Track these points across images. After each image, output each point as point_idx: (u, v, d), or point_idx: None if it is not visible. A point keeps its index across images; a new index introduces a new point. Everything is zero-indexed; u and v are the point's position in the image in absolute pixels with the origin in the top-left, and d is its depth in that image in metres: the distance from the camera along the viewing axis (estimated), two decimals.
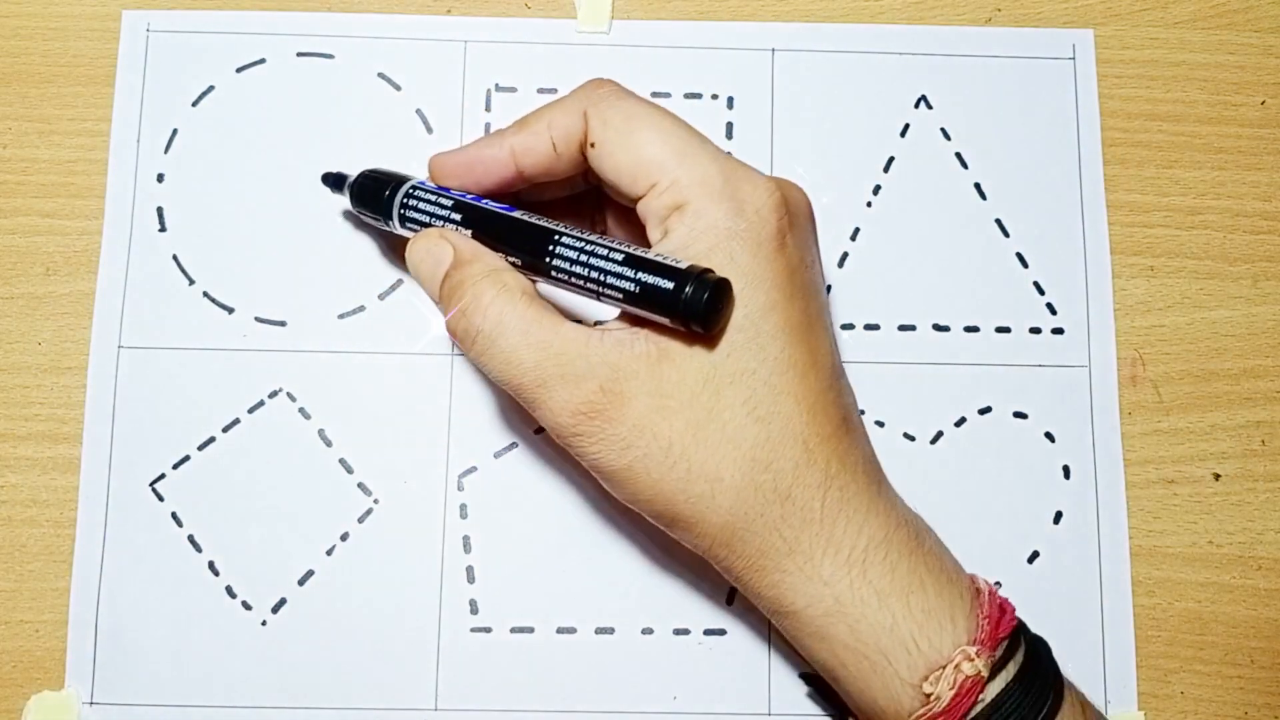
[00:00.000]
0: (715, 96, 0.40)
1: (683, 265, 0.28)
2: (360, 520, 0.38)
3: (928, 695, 0.28)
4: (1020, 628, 0.31)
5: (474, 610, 0.37)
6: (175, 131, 0.40)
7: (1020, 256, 0.40)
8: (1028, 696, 0.29)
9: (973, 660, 0.28)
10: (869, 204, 0.40)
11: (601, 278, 0.29)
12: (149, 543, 0.37)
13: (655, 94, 0.40)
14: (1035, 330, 0.39)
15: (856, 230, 0.40)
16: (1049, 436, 0.38)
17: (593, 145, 0.31)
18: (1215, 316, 0.39)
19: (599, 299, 0.30)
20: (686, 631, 0.37)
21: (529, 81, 0.40)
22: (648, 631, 0.37)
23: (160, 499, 0.37)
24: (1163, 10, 0.41)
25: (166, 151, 0.40)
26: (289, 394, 0.38)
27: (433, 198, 0.33)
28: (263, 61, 0.40)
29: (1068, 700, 0.30)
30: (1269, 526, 0.38)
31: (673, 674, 0.37)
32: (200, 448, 0.38)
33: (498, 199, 0.33)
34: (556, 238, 0.30)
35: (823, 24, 0.41)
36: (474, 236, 0.32)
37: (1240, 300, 0.39)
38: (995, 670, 0.29)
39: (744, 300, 0.29)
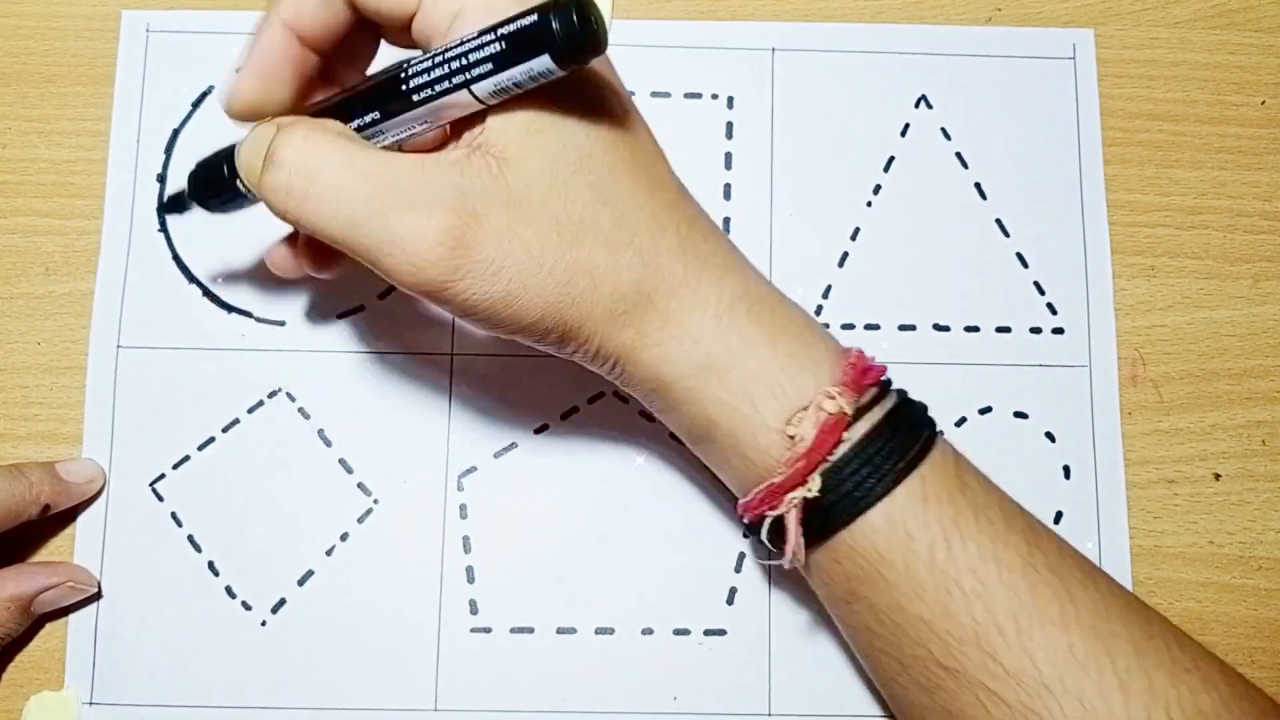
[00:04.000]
0: (715, 96, 0.40)
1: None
2: (360, 520, 0.38)
3: (791, 437, 0.29)
4: (889, 383, 0.31)
5: (474, 610, 0.37)
6: (175, 131, 0.40)
7: (1020, 256, 0.40)
8: (895, 439, 0.29)
9: (834, 399, 0.28)
10: (869, 204, 0.40)
11: (466, 63, 0.27)
12: (149, 543, 0.37)
13: (655, 94, 0.40)
14: (1035, 330, 0.39)
15: (856, 230, 0.40)
16: (1049, 436, 0.38)
17: None
18: (1215, 316, 0.39)
19: (471, 91, 0.27)
20: (686, 631, 0.37)
21: None
22: (648, 631, 0.37)
23: (160, 499, 0.37)
24: (1163, 10, 0.41)
25: (166, 151, 0.40)
26: (289, 394, 0.38)
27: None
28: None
29: (939, 449, 0.30)
30: (1269, 526, 0.38)
31: (673, 674, 0.37)
32: (200, 448, 0.38)
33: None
34: (404, 66, 0.28)
35: (823, 23, 0.41)
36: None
37: (1240, 300, 0.39)
38: (861, 414, 0.29)
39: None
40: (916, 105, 0.40)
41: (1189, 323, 0.39)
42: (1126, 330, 0.39)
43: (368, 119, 0.29)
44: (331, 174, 0.27)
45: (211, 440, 0.38)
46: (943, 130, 0.40)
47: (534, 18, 0.26)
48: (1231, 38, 0.41)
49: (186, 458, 0.38)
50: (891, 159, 0.40)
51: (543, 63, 0.26)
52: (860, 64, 0.41)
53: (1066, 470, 0.38)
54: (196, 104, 0.40)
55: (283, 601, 0.37)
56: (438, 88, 0.28)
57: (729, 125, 0.40)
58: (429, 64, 0.28)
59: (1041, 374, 0.39)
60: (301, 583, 0.37)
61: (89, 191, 0.39)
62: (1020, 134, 0.40)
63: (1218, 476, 0.38)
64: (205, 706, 0.36)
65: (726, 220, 0.40)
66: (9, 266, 0.39)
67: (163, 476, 0.38)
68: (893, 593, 0.29)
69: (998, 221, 0.40)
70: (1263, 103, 0.41)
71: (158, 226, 0.39)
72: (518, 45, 0.26)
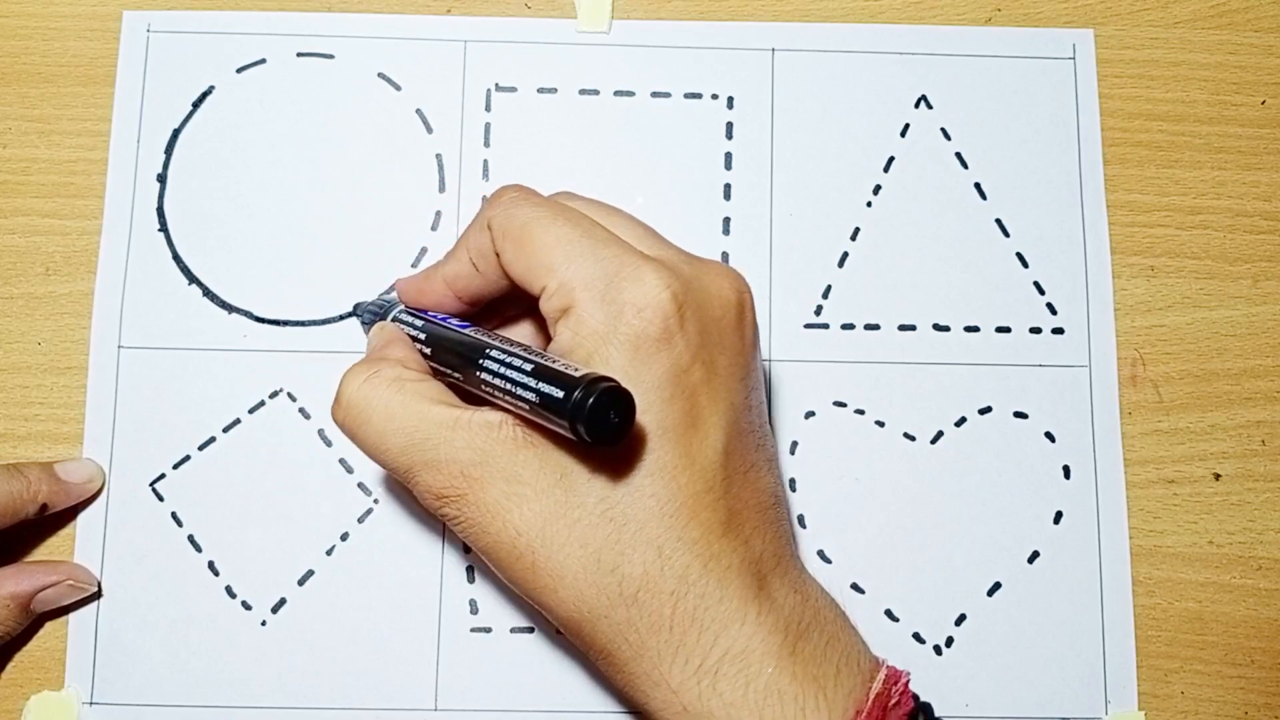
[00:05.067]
0: (715, 96, 0.40)
1: (578, 373, 0.27)
2: (360, 520, 0.38)
3: None
4: (918, 713, 0.29)
5: (474, 610, 0.37)
6: (175, 131, 0.40)
7: (1020, 256, 0.40)
8: None
9: None
10: (869, 204, 0.40)
11: (513, 389, 0.28)
12: (149, 542, 0.37)
13: (655, 94, 0.40)
14: (1035, 330, 0.39)
15: (856, 230, 0.40)
16: (1049, 436, 0.38)
17: (499, 256, 0.31)
18: (1215, 316, 0.39)
19: (514, 408, 0.29)
20: None
21: (529, 81, 0.40)
22: None
23: (160, 499, 0.37)
24: (1163, 10, 0.41)
25: (167, 151, 0.40)
26: (289, 394, 0.38)
27: (407, 319, 0.34)
28: (263, 62, 0.40)
29: None
30: (1269, 526, 0.38)
31: None
32: (200, 448, 0.38)
33: (471, 316, 0.34)
34: (486, 350, 0.30)
35: (823, 24, 0.41)
36: (431, 355, 0.32)
37: (1240, 300, 0.39)
38: None
39: None
40: (916, 105, 0.41)
41: (1189, 323, 0.39)
42: (1126, 330, 0.39)
43: (448, 371, 0.32)
44: (374, 424, 0.30)
45: (212, 440, 0.38)
46: (943, 130, 0.40)
47: (557, 393, 0.26)
48: (1231, 38, 0.41)
49: (187, 458, 0.38)
50: (891, 159, 0.40)
51: (566, 427, 0.27)
52: (860, 64, 0.41)
53: (1066, 470, 0.38)
54: (197, 104, 0.40)
55: (283, 601, 0.37)
56: (495, 388, 0.29)
57: (729, 125, 0.40)
58: (498, 366, 0.29)
59: (1041, 374, 0.39)
60: (301, 583, 0.37)
61: (89, 191, 0.39)
62: (1020, 134, 0.40)
63: (1218, 476, 0.38)
64: (205, 706, 0.36)
65: (727, 220, 0.40)
66: (9, 266, 0.39)
67: (163, 476, 0.38)
68: None
69: (998, 221, 0.40)
70: (1263, 103, 0.41)
71: (158, 226, 0.39)
72: (546, 404, 0.27)
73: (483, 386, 0.30)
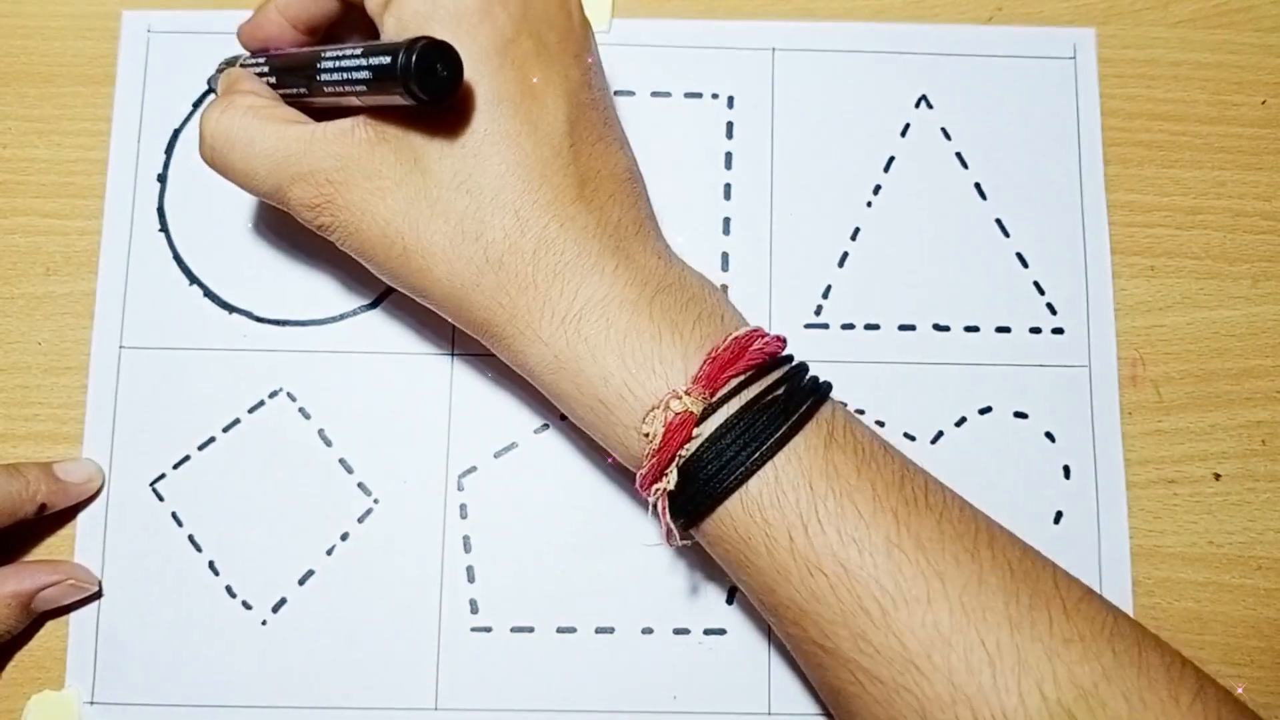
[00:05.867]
0: (715, 96, 0.40)
1: (402, 40, 0.28)
2: (360, 520, 0.38)
3: (646, 435, 0.30)
4: (776, 363, 0.31)
5: (474, 610, 0.37)
6: (176, 132, 0.40)
7: (1020, 256, 0.40)
8: (749, 431, 0.29)
9: (681, 399, 0.29)
10: (869, 204, 0.40)
11: (350, 75, 0.30)
12: (149, 542, 0.37)
13: (655, 93, 0.40)
14: (1035, 330, 0.39)
15: (856, 230, 0.40)
16: (1049, 436, 0.38)
17: None
18: (1215, 316, 0.39)
19: (358, 98, 0.31)
20: (686, 631, 0.37)
21: None
22: (648, 631, 0.37)
23: (160, 499, 0.38)
24: (1163, 10, 0.41)
25: (167, 151, 0.40)
26: (289, 394, 0.38)
27: (250, 60, 0.35)
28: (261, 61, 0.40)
29: (810, 429, 0.30)
30: (1269, 526, 0.38)
31: (673, 674, 0.37)
32: (200, 448, 0.38)
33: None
34: (321, 54, 0.31)
35: (823, 23, 0.41)
36: (277, 83, 0.34)
37: (1240, 300, 0.39)
38: (718, 406, 0.30)
39: None
40: (916, 105, 0.40)
41: (1189, 323, 0.39)
42: (1126, 330, 0.39)
43: (295, 91, 0.33)
44: (238, 150, 0.32)
45: (212, 440, 0.38)
46: (943, 130, 0.40)
47: (385, 59, 0.28)
48: (1231, 38, 0.41)
49: (187, 458, 0.38)
50: (891, 159, 0.40)
51: (399, 96, 0.28)
52: (860, 64, 0.41)
53: (1066, 470, 0.38)
54: (197, 104, 0.40)
55: (283, 601, 0.37)
56: (335, 86, 0.31)
57: (729, 125, 0.40)
58: (332, 63, 0.30)
59: (1041, 374, 0.39)
60: (301, 582, 0.37)
61: (89, 191, 0.39)
62: (1020, 134, 0.40)
63: (1218, 476, 0.38)
64: (205, 706, 0.36)
65: (727, 220, 0.40)
66: (9, 266, 0.39)
67: (163, 476, 0.38)
68: (761, 576, 0.30)
69: (998, 221, 0.40)
70: (1263, 103, 0.41)
71: (158, 226, 0.39)
72: (379, 76, 0.29)
73: (325, 91, 0.31)
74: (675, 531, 0.31)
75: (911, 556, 0.29)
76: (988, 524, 0.31)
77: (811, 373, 0.32)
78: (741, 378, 0.30)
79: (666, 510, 0.31)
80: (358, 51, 0.29)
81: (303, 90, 0.33)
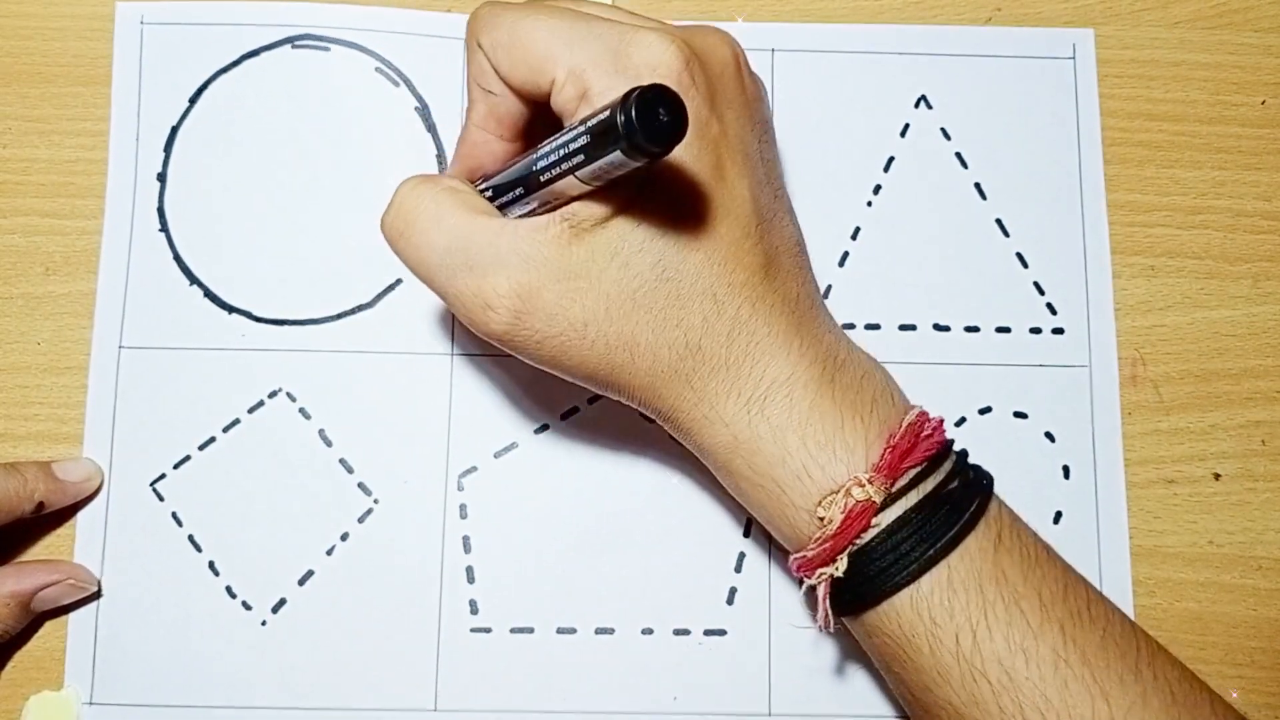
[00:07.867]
0: None
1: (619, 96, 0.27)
2: (360, 520, 0.38)
3: (821, 519, 0.30)
4: (946, 455, 0.31)
5: (474, 610, 0.37)
6: (174, 129, 0.40)
7: (1020, 256, 0.40)
8: (926, 526, 0.29)
9: (863, 486, 0.29)
10: (869, 204, 0.40)
11: (566, 153, 0.28)
12: (149, 543, 0.37)
13: None
14: (1035, 330, 0.39)
15: (857, 230, 0.40)
16: (1049, 436, 0.38)
17: (497, 71, 0.31)
18: (1216, 316, 0.39)
19: (575, 176, 0.29)
20: (686, 631, 0.37)
21: None
22: (648, 631, 0.37)
23: (160, 499, 0.37)
24: (1163, 10, 0.41)
25: (166, 150, 0.40)
26: (289, 394, 0.38)
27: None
28: (258, 53, 0.40)
29: (981, 530, 0.30)
30: (1269, 526, 0.38)
31: (673, 674, 0.37)
32: (200, 448, 0.38)
33: None
34: (537, 149, 0.30)
35: (823, 24, 0.41)
36: (493, 194, 0.32)
37: (1241, 300, 0.39)
38: (896, 498, 0.30)
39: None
40: (916, 105, 0.41)
41: (1189, 323, 0.39)
42: (1126, 330, 0.39)
43: (512, 196, 0.31)
44: (422, 225, 0.31)
45: (212, 440, 0.38)
46: (943, 130, 0.40)
47: (607, 114, 0.26)
48: (1231, 38, 0.41)
49: (187, 458, 0.38)
50: (891, 159, 0.40)
51: (617, 156, 0.26)
52: (860, 64, 0.41)
53: (1066, 470, 0.38)
54: (194, 99, 0.40)
55: (283, 601, 0.37)
56: (552, 173, 0.29)
57: None
58: (548, 150, 0.29)
59: (1041, 374, 0.39)
60: (301, 583, 0.37)
61: (89, 191, 0.39)
62: (1020, 134, 0.40)
63: (1218, 476, 0.38)
64: (205, 706, 0.36)
65: None
66: (9, 266, 0.39)
67: (163, 476, 0.38)
68: (920, 675, 0.30)
69: (998, 221, 0.40)
70: (1263, 103, 0.41)
71: (159, 226, 0.39)
72: (598, 139, 0.27)
73: (541, 180, 0.29)
74: (829, 618, 0.31)
75: (1078, 672, 0.29)
76: (1147, 640, 0.30)
77: (971, 460, 0.32)
78: (919, 469, 0.30)
79: (828, 596, 0.30)
80: (577, 127, 0.28)
81: (520, 191, 0.31)
